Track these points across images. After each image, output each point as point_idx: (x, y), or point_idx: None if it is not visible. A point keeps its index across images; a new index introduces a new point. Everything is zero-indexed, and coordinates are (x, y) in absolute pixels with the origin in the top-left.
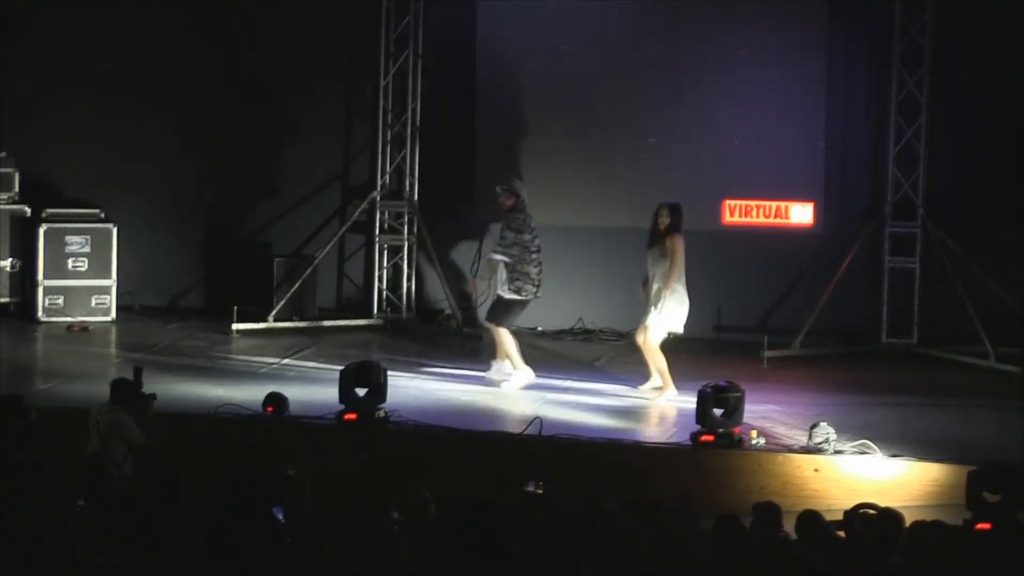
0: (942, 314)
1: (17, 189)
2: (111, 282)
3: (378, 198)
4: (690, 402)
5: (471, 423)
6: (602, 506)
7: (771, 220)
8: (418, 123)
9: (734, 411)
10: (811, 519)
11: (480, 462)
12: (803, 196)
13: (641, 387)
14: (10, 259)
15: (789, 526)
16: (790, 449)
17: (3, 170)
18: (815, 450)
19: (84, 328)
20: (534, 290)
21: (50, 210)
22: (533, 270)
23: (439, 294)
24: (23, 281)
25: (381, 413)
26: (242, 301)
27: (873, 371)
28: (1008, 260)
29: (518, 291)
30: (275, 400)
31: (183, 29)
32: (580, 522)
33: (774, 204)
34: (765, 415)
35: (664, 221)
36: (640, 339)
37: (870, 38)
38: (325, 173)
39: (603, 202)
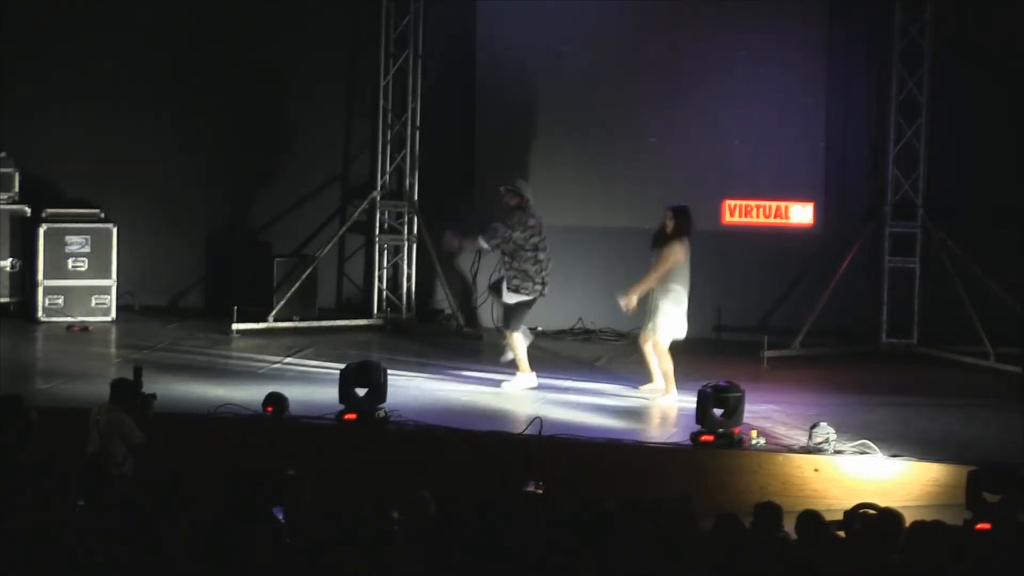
0: (942, 314)
1: (17, 189)
2: (111, 282)
3: (378, 198)
4: (690, 402)
5: (471, 423)
6: (602, 506)
7: (771, 220)
8: (418, 123)
9: (734, 411)
10: (811, 519)
11: (480, 462)
12: (803, 196)
13: (642, 387)
14: (10, 259)
15: (789, 526)
16: (790, 449)
17: (3, 170)
18: (815, 450)
19: (84, 328)
20: (537, 287)
21: (50, 210)
22: (531, 267)
23: (439, 294)
24: (23, 281)
25: (381, 413)
26: (242, 301)
27: (873, 371)
28: (1008, 260)
29: (516, 289)
30: (275, 400)
31: (183, 29)
32: (580, 522)
33: (774, 204)
34: (765, 415)
35: (669, 225)
36: (647, 344)
37: (870, 38)
38: (325, 173)
39: (603, 202)
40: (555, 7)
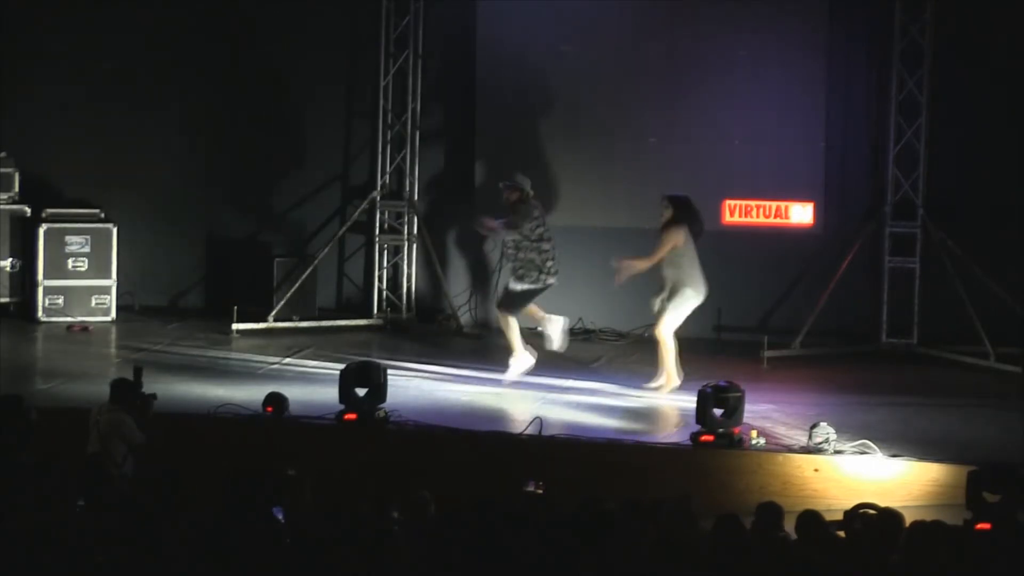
0: (942, 314)
1: (17, 189)
2: (111, 282)
3: (378, 198)
4: (690, 402)
5: (471, 423)
6: (602, 506)
7: (771, 220)
8: (418, 123)
9: (734, 411)
10: (811, 519)
11: (480, 462)
12: (803, 196)
13: (647, 384)
14: (10, 259)
15: (789, 526)
16: (790, 449)
17: (3, 170)
18: (815, 450)
19: (84, 328)
20: (543, 277)
21: (50, 210)
22: (537, 257)
23: (439, 294)
24: (23, 281)
25: (381, 413)
26: (242, 301)
27: (873, 371)
28: (1008, 260)
29: (520, 279)
30: (275, 400)
31: (183, 29)
32: (580, 522)
33: (774, 204)
34: (765, 415)
35: (666, 214)
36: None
37: (870, 38)
38: (325, 173)
39: (603, 202)
40: (555, 7)
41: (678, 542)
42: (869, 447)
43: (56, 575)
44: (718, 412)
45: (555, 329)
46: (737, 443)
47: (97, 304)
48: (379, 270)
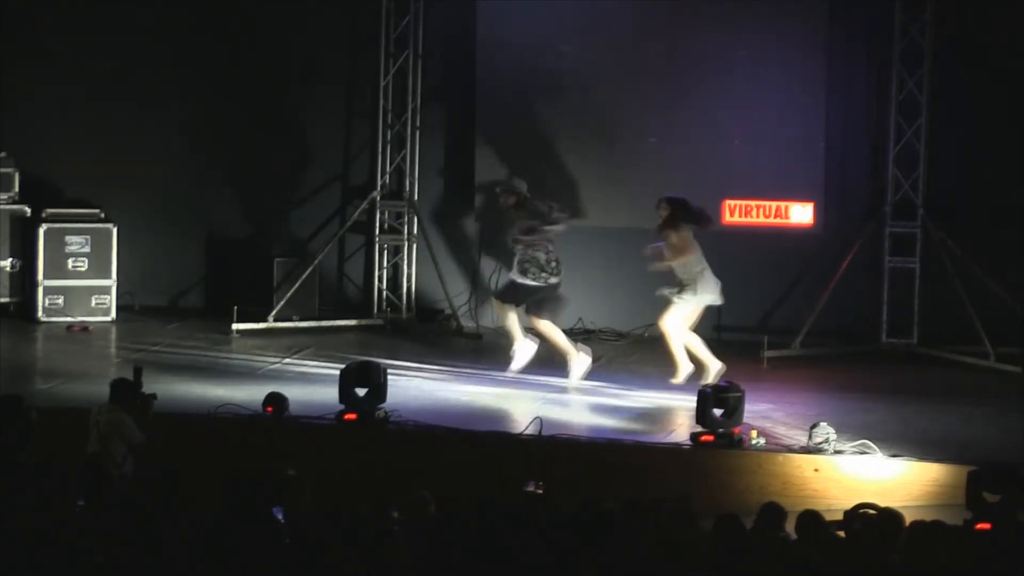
0: (942, 314)
1: (17, 189)
2: (111, 282)
3: (378, 198)
4: (690, 402)
5: (471, 423)
6: (602, 506)
7: (771, 220)
8: (418, 123)
9: (734, 411)
10: (811, 519)
11: (480, 462)
12: (803, 196)
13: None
14: (10, 259)
15: (789, 526)
16: (790, 449)
17: (3, 170)
18: (815, 450)
19: (84, 328)
20: (544, 275)
21: (50, 210)
22: (542, 256)
23: (439, 294)
24: (23, 281)
25: (381, 413)
26: (242, 301)
27: (873, 371)
28: (1008, 260)
29: (524, 272)
30: (275, 400)
31: (183, 29)
32: (580, 522)
33: (774, 204)
34: (765, 415)
35: (663, 215)
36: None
37: (870, 38)
38: (325, 173)
39: (603, 202)
40: (555, 7)
41: (678, 542)
42: (869, 447)
43: (56, 575)
44: (718, 412)
45: (523, 353)
46: (737, 443)
47: (97, 304)
48: (379, 270)
